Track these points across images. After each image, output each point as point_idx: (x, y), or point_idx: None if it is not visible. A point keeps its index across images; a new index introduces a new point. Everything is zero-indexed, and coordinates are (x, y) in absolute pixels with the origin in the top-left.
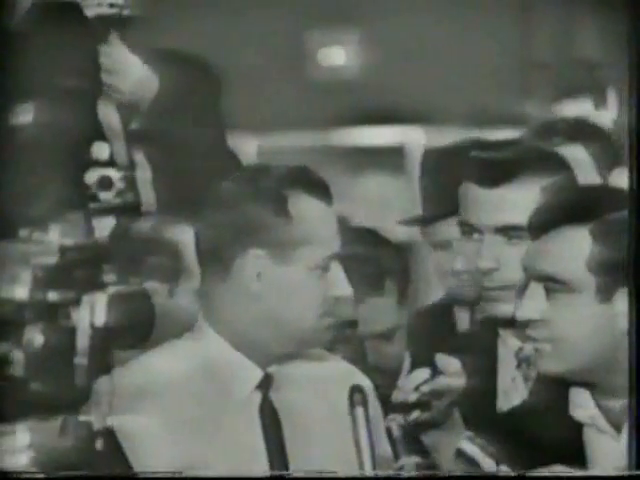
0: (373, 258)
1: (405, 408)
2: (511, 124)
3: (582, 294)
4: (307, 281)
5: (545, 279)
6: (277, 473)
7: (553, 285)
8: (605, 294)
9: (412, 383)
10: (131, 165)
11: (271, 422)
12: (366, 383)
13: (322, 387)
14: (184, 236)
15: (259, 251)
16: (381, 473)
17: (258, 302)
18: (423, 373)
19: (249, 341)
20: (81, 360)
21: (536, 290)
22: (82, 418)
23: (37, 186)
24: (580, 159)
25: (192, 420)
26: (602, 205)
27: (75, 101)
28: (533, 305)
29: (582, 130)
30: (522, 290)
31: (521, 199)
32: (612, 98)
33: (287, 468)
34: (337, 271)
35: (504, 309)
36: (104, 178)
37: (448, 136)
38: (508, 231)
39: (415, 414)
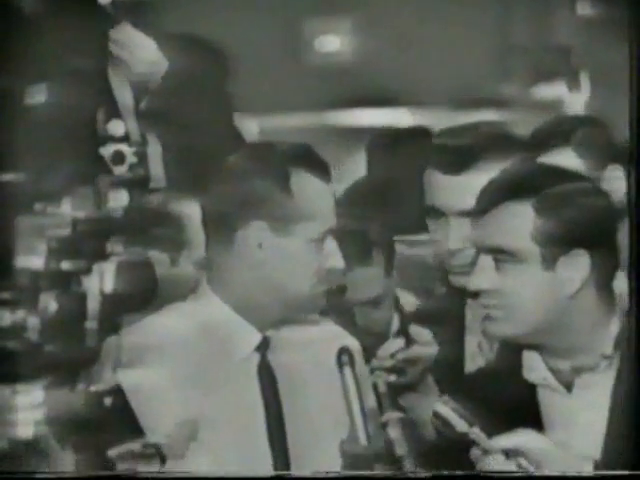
0: (362, 232)
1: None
2: (492, 106)
3: (528, 263)
4: (304, 252)
5: (494, 251)
6: (280, 473)
7: (501, 256)
8: (549, 262)
9: (387, 351)
10: (143, 141)
11: (268, 380)
12: (354, 344)
13: (314, 349)
14: (188, 209)
15: (261, 223)
16: (381, 473)
17: (259, 270)
18: (398, 342)
19: (249, 306)
20: (92, 324)
21: (486, 262)
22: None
23: (50, 163)
24: (571, 164)
25: (196, 376)
26: (541, 181)
27: (86, 81)
28: (484, 276)
29: (574, 133)
30: (473, 262)
31: (482, 183)
32: (585, 81)
33: (283, 424)
34: (332, 245)
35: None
36: (117, 152)
37: (433, 116)
38: (471, 214)
39: (392, 378)
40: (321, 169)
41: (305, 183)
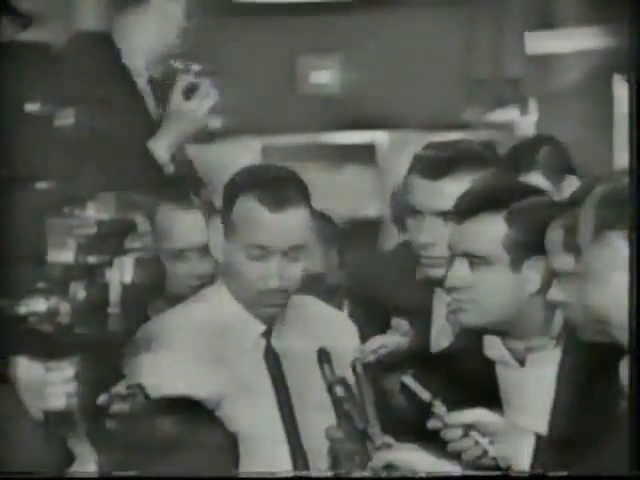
0: (322, 235)
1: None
2: (456, 128)
3: (498, 266)
4: (245, 263)
5: (468, 255)
6: (282, 473)
7: (475, 259)
8: (516, 265)
9: (370, 347)
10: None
11: (274, 362)
12: (350, 327)
13: (313, 334)
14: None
15: (219, 224)
16: (381, 474)
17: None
18: (379, 339)
19: (251, 298)
20: (114, 310)
21: (461, 263)
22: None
23: (76, 173)
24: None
25: (213, 357)
26: (511, 195)
27: (106, 107)
28: (459, 275)
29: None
30: (450, 264)
31: (455, 189)
32: (533, 107)
33: (289, 397)
34: (271, 266)
35: (439, 272)
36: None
37: (407, 137)
38: (444, 214)
39: (376, 367)
40: (270, 198)
41: (245, 206)
